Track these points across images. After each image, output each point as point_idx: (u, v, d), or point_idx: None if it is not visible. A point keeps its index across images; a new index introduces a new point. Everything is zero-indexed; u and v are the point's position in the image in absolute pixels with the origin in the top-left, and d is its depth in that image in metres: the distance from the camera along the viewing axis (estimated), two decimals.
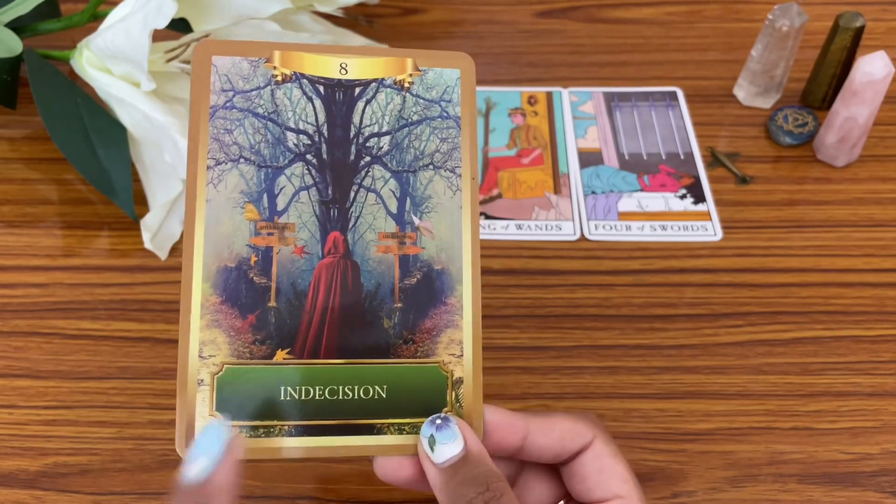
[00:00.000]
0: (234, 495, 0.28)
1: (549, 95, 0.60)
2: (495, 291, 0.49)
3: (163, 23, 0.44)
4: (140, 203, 0.51)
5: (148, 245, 0.50)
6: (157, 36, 0.46)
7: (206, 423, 0.31)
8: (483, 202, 0.54)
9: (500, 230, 0.52)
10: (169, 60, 0.51)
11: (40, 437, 0.43)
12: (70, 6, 0.63)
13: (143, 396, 0.44)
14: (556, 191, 0.55)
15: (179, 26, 0.51)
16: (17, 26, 0.54)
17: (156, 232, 0.50)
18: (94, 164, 0.50)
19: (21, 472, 0.42)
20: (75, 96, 0.52)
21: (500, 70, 0.62)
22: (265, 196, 0.33)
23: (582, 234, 0.52)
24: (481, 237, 0.52)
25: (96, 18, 0.54)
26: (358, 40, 0.60)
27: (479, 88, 0.61)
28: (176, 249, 0.51)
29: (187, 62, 0.51)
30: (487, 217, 0.53)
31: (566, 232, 0.52)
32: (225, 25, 0.51)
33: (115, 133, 0.51)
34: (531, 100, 0.60)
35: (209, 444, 0.28)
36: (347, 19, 0.60)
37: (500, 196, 0.54)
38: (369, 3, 0.63)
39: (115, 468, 0.42)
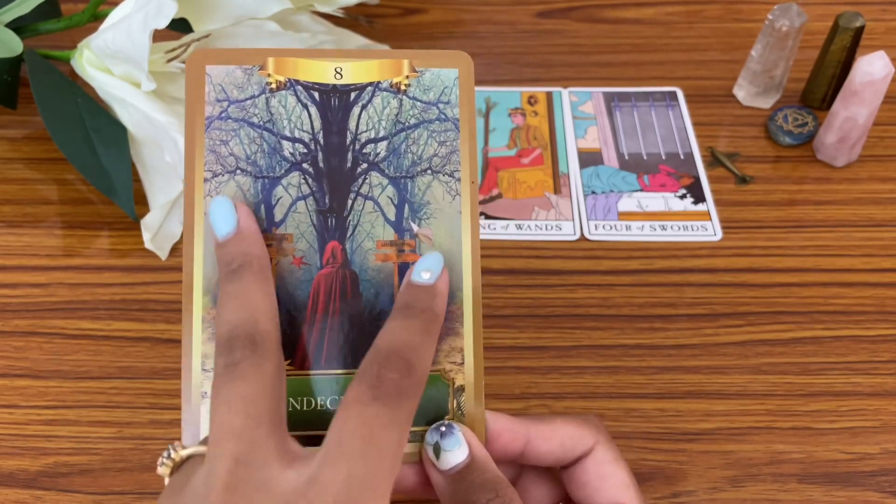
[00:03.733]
0: (261, 235, 0.32)
1: (549, 95, 0.60)
2: (495, 291, 0.49)
3: (163, 23, 0.44)
4: (140, 203, 0.52)
5: (148, 245, 0.50)
6: (158, 36, 0.46)
7: (210, 202, 0.32)
8: (483, 202, 0.54)
9: (500, 230, 0.52)
10: (169, 60, 0.51)
11: (41, 437, 0.43)
12: (70, 6, 0.63)
13: (143, 396, 0.44)
14: (556, 191, 0.55)
15: (179, 26, 0.51)
16: (17, 26, 0.54)
17: (156, 232, 0.50)
18: (94, 164, 0.50)
19: (21, 472, 0.42)
20: (75, 96, 0.52)
21: (500, 70, 0.62)
22: (262, 207, 0.33)
23: (582, 234, 0.52)
24: (481, 237, 0.52)
25: (96, 18, 0.54)
26: (358, 40, 0.60)
27: (478, 88, 0.61)
28: (176, 249, 0.51)
29: None
30: (487, 217, 0.53)
31: (566, 232, 0.52)
32: (225, 25, 0.51)
33: (116, 133, 0.51)
34: (531, 100, 0.60)
35: (221, 209, 0.32)
36: (347, 19, 0.60)
37: (500, 196, 0.54)
38: (369, 3, 0.63)
39: (115, 468, 0.42)
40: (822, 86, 0.58)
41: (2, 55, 0.52)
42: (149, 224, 0.50)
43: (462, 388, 0.33)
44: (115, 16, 0.48)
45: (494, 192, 0.54)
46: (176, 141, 0.47)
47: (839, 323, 0.48)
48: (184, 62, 0.51)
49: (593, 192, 0.54)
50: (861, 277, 0.50)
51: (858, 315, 0.48)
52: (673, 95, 0.60)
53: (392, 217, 0.34)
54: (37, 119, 0.57)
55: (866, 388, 0.45)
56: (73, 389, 0.45)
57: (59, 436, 0.43)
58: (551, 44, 0.64)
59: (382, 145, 0.34)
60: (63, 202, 0.53)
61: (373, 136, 0.34)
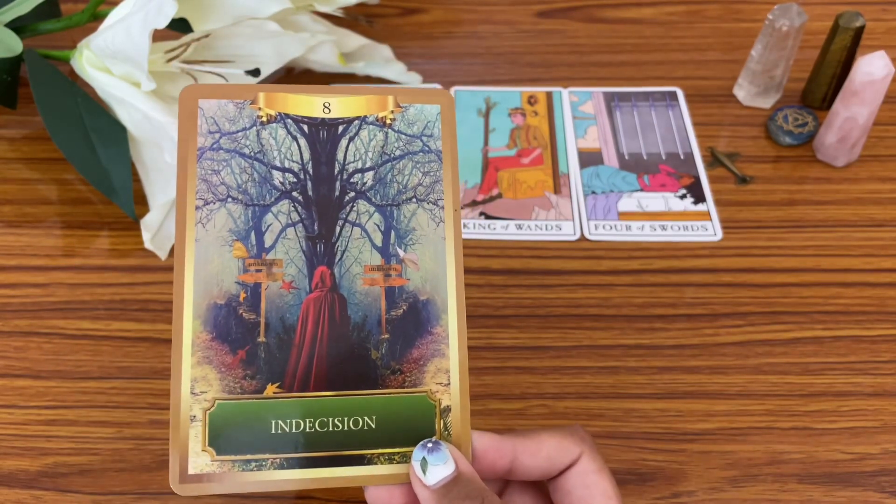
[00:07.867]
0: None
1: (549, 95, 0.60)
2: (495, 291, 0.49)
3: (163, 23, 0.44)
4: (140, 203, 0.52)
5: (148, 245, 0.50)
6: (157, 36, 0.46)
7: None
8: (483, 202, 0.54)
9: (500, 230, 0.52)
10: (169, 60, 0.51)
11: (40, 437, 0.43)
12: (70, 6, 0.63)
13: (143, 396, 0.44)
14: (556, 191, 0.55)
15: (179, 26, 0.51)
16: (17, 26, 0.54)
17: (156, 232, 0.50)
18: (94, 164, 0.50)
19: (21, 472, 0.42)
20: (75, 96, 0.52)
21: (500, 70, 0.62)
22: (253, 233, 0.34)
23: (582, 234, 0.52)
24: (481, 237, 0.52)
25: (96, 18, 0.54)
26: (358, 40, 0.60)
27: (479, 88, 0.61)
28: None
29: (187, 62, 0.51)
30: (487, 217, 0.53)
31: (566, 232, 0.52)
32: (225, 25, 0.51)
33: (115, 133, 0.51)
34: (531, 100, 0.60)
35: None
36: (347, 19, 0.60)
37: (500, 196, 0.54)
38: (369, 3, 0.63)
39: (115, 468, 0.42)
40: (823, 86, 0.58)
41: (2, 55, 0.52)
42: (148, 224, 0.50)
43: (448, 409, 0.34)
44: (114, 16, 0.48)
45: (494, 192, 0.54)
46: (176, 140, 0.47)
47: (839, 323, 0.48)
48: (184, 62, 0.51)
49: (593, 192, 0.54)
50: (861, 277, 0.50)
51: (858, 315, 0.48)
52: (673, 95, 0.60)
53: (379, 243, 0.35)
54: (37, 119, 0.57)
55: (866, 388, 0.45)
56: (72, 389, 0.45)
57: (59, 436, 0.43)
58: (551, 44, 0.64)
59: (369, 175, 0.35)
60: (63, 202, 0.53)
61: (360, 166, 0.35)
